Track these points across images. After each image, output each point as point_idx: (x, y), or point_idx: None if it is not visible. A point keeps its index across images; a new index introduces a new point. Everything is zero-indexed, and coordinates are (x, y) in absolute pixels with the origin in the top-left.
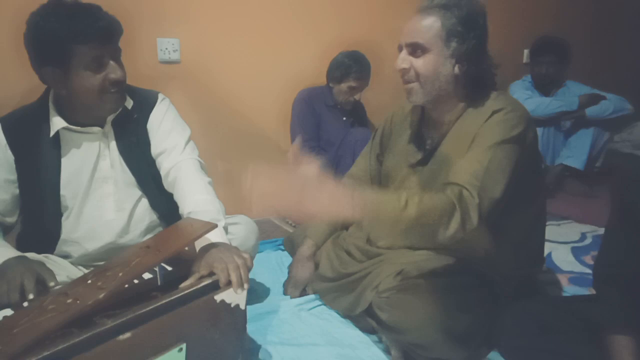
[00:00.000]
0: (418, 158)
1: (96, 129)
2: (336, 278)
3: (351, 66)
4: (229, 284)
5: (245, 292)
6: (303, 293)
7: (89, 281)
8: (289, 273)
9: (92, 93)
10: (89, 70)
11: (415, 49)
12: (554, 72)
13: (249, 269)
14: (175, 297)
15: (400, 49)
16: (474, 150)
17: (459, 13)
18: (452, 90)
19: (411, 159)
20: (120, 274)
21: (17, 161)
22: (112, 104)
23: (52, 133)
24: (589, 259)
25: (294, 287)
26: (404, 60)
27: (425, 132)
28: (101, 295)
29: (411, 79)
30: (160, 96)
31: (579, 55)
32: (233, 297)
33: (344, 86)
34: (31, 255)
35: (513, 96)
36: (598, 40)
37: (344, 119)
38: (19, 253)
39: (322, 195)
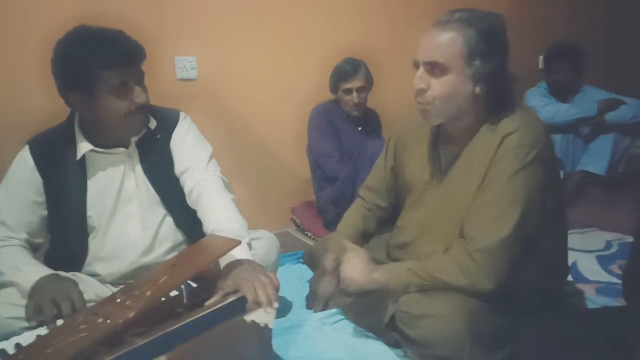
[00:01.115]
0: (434, 175)
1: (121, 150)
2: (358, 293)
3: (341, 68)
4: (257, 303)
5: (274, 312)
6: (326, 307)
7: (118, 300)
8: (310, 287)
9: (118, 117)
10: (115, 95)
11: (434, 68)
12: (569, 78)
13: (276, 288)
14: (202, 314)
15: (416, 66)
16: (490, 189)
17: (482, 29)
18: (470, 109)
19: (427, 176)
20: (149, 293)
21: (45, 184)
22: (137, 126)
23: (79, 157)
24: (616, 269)
25: (317, 301)
26: (422, 79)
27: (441, 148)
28: (131, 315)
29: (427, 100)
30: (182, 115)
31: (596, 60)
32: (263, 317)
33: (341, 92)
34: (62, 274)
35: (530, 104)
36: (615, 44)
37: (360, 129)
38: (51, 271)
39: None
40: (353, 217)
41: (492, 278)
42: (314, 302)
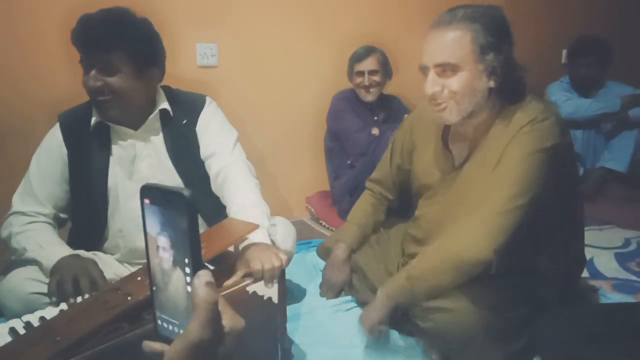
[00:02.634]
0: (447, 172)
1: (129, 130)
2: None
3: (355, 52)
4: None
5: (276, 286)
6: (338, 296)
7: (139, 278)
8: (323, 276)
9: (88, 94)
10: (84, 73)
11: (445, 70)
12: (593, 73)
13: (284, 266)
14: (219, 295)
15: (424, 70)
16: (500, 170)
17: (486, 22)
18: (485, 104)
19: (438, 173)
20: None
21: (69, 155)
22: (104, 110)
23: (91, 127)
24: (634, 266)
25: (330, 290)
26: (435, 83)
27: (453, 145)
28: None
29: (445, 100)
30: (208, 99)
31: (620, 55)
32: (264, 289)
33: (355, 75)
34: (83, 253)
35: (551, 98)
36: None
37: (375, 118)
38: (73, 251)
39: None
40: (363, 206)
41: (485, 247)
42: (327, 290)
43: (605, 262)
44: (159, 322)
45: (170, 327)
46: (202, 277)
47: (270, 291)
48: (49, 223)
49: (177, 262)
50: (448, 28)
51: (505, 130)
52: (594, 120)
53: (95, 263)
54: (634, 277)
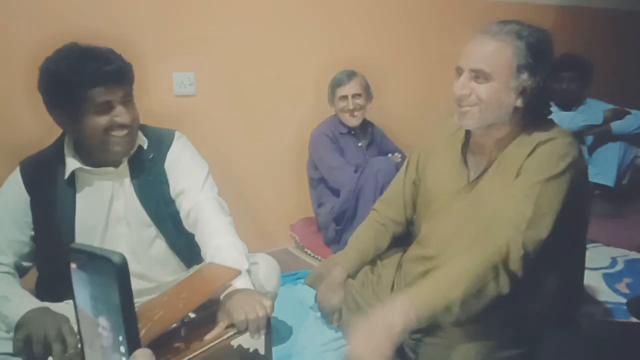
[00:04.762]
0: (462, 185)
1: (110, 169)
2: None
3: (336, 76)
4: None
5: (263, 338)
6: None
7: None
8: (318, 302)
9: (100, 136)
10: (96, 113)
11: (478, 75)
12: (574, 88)
13: (269, 315)
14: (201, 350)
15: (459, 71)
16: (519, 186)
17: (531, 43)
18: (508, 120)
19: (453, 186)
20: (144, 331)
21: (32, 201)
22: (121, 146)
23: (67, 174)
24: (623, 287)
25: (330, 314)
26: (465, 86)
27: (470, 158)
28: None
29: (470, 105)
30: (177, 134)
31: (599, 72)
32: (250, 342)
33: (338, 100)
34: (55, 306)
35: None
36: (618, 57)
37: (360, 144)
38: (41, 303)
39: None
40: (365, 232)
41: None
42: (329, 316)
43: (593, 284)
44: None
45: None
46: (138, 359)
47: (256, 342)
48: (10, 273)
49: (111, 338)
50: (494, 37)
51: (525, 146)
52: (578, 133)
53: (66, 320)
54: (624, 300)
